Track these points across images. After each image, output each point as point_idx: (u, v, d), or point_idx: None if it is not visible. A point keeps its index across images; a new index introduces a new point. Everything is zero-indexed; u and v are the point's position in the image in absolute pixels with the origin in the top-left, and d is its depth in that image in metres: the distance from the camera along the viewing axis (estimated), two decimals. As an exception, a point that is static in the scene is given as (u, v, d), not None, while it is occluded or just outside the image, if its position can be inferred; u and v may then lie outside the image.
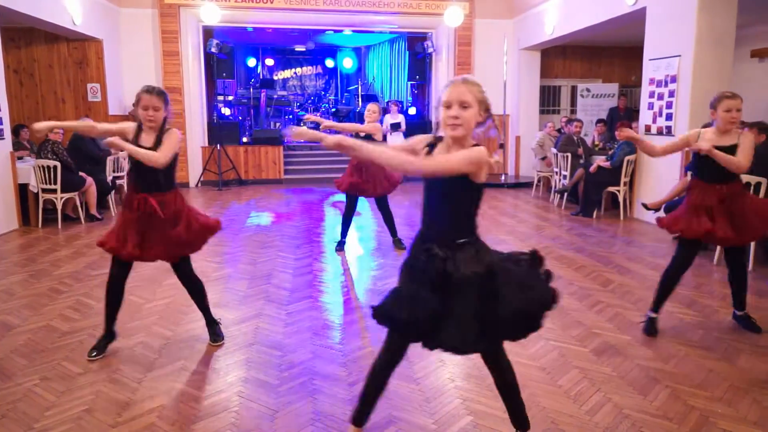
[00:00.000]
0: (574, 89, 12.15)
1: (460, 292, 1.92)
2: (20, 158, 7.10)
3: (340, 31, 11.72)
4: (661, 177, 6.64)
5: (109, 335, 3.23)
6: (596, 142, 8.83)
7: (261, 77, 14.28)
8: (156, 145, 3.01)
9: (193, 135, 10.24)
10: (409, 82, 12.29)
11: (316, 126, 6.31)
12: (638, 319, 3.71)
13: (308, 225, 6.92)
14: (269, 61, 15.09)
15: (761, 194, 4.81)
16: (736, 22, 6.30)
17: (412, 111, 12.01)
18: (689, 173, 4.88)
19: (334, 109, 13.91)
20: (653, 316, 3.54)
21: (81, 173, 6.92)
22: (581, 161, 7.80)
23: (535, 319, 2.00)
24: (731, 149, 3.27)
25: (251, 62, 14.63)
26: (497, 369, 2.18)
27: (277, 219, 7.33)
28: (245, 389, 2.82)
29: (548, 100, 12.48)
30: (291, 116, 13.66)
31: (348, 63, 14.95)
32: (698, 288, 4.42)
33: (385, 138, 6.67)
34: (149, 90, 3.02)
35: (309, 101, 14.39)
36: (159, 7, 9.82)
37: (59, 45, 9.35)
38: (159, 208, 2.99)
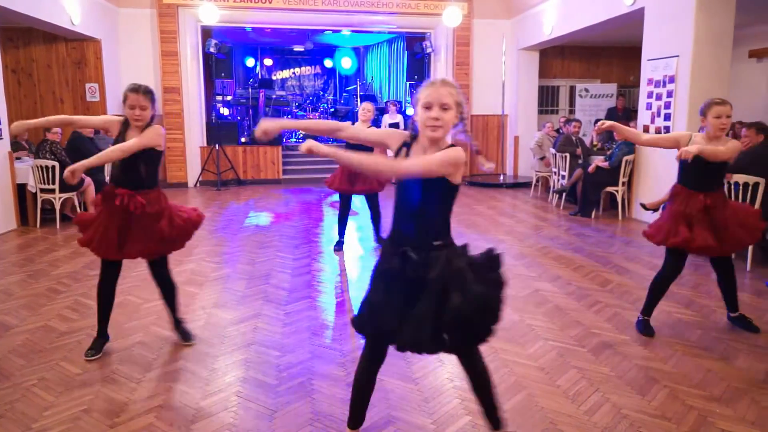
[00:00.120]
0: (572, 89, 12.16)
1: (426, 293, 1.93)
2: (18, 158, 7.10)
3: (339, 31, 11.72)
4: (659, 177, 6.64)
5: (103, 337, 3.23)
6: (595, 142, 8.84)
7: (260, 77, 14.26)
8: None
9: (191, 135, 10.23)
10: (408, 83, 12.29)
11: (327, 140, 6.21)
12: (636, 319, 3.72)
13: (307, 225, 6.92)
14: (268, 61, 15.08)
15: (759, 194, 4.82)
16: (734, 23, 6.31)
17: (410, 111, 11.98)
18: None
19: (332, 109, 13.91)
20: (645, 318, 3.55)
21: (79, 173, 6.89)
22: (580, 161, 7.81)
23: (479, 328, 2.00)
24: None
25: (250, 62, 14.62)
26: (472, 371, 2.17)
27: (276, 219, 7.33)
28: (244, 389, 2.82)
29: (547, 100, 12.49)
30: (290, 116, 13.66)
31: (347, 63, 14.94)
32: (696, 288, 4.42)
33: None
34: (136, 89, 2.98)
35: (307, 101, 14.39)
36: (157, 7, 9.81)
37: (58, 45, 9.33)
38: (144, 206, 2.97)
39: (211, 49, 10.22)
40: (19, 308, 3.99)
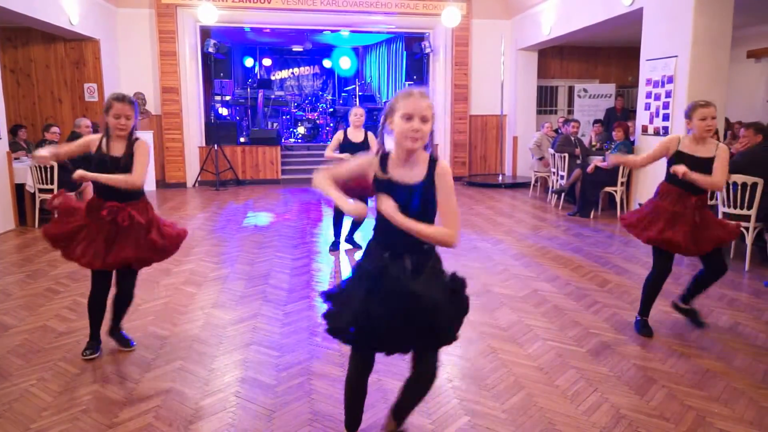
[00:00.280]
0: (571, 90, 12.17)
1: (403, 298, 1.95)
2: (17, 158, 7.08)
3: (338, 31, 11.72)
4: (657, 177, 6.60)
5: (96, 340, 3.22)
6: (593, 143, 8.85)
7: (258, 77, 14.25)
8: (126, 155, 2.97)
9: (190, 135, 10.23)
10: (407, 83, 12.29)
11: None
12: (634, 320, 3.72)
13: (305, 225, 6.92)
14: (267, 61, 15.07)
15: (758, 194, 4.82)
16: (732, 23, 6.32)
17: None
18: None
19: (331, 110, 13.91)
20: (643, 318, 3.55)
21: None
22: (578, 161, 7.81)
23: (443, 327, 2.04)
24: (708, 162, 3.28)
25: (248, 62, 14.61)
26: (422, 370, 2.15)
27: (275, 219, 7.33)
28: (242, 389, 2.82)
29: (545, 100, 12.50)
30: (288, 116, 13.65)
31: (345, 63, 14.93)
32: (695, 288, 4.42)
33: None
34: (121, 98, 2.97)
35: (306, 101, 14.37)
36: (156, 7, 9.80)
37: (56, 45, 9.32)
38: (133, 217, 2.96)
39: (210, 49, 10.22)
40: (18, 308, 3.99)
